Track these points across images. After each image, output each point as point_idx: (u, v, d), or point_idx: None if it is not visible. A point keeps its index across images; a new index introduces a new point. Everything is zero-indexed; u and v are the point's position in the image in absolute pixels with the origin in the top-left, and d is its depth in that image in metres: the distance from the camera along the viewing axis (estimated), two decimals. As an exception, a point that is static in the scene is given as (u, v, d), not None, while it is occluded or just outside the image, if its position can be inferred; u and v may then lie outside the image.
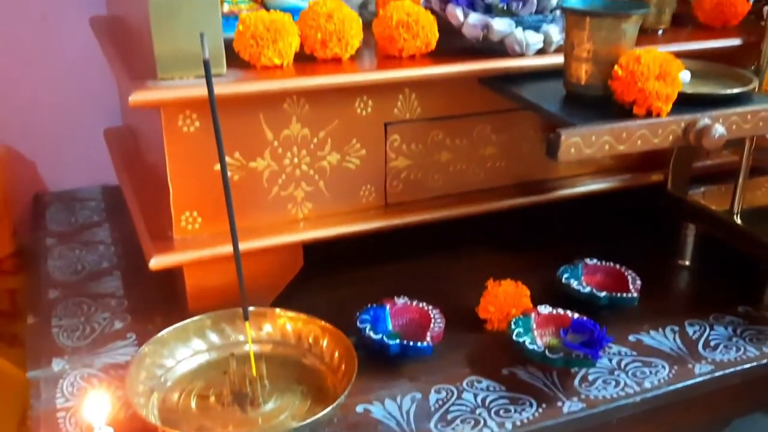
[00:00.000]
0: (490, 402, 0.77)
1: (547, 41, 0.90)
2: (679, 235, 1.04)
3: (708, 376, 0.82)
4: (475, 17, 0.88)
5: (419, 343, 0.80)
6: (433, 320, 0.84)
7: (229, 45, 0.81)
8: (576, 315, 0.85)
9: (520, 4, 0.88)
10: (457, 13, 0.88)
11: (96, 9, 1.17)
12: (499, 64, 0.89)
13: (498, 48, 0.90)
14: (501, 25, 0.87)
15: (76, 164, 1.26)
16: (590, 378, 0.81)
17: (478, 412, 0.76)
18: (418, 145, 0.92)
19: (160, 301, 0.93)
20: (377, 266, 1.01)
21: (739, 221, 0.98)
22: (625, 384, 0.80)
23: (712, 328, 0.90)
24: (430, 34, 0.87)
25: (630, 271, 0.95)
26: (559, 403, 0.77)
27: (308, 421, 0.68)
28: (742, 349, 0.86)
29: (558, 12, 0.91)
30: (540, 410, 0.76)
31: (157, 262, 0.80)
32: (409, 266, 1.02)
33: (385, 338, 0.80)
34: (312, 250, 0.90)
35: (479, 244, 1.06)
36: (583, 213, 1.10)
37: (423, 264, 1.02)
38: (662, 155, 1.00)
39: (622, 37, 0.78)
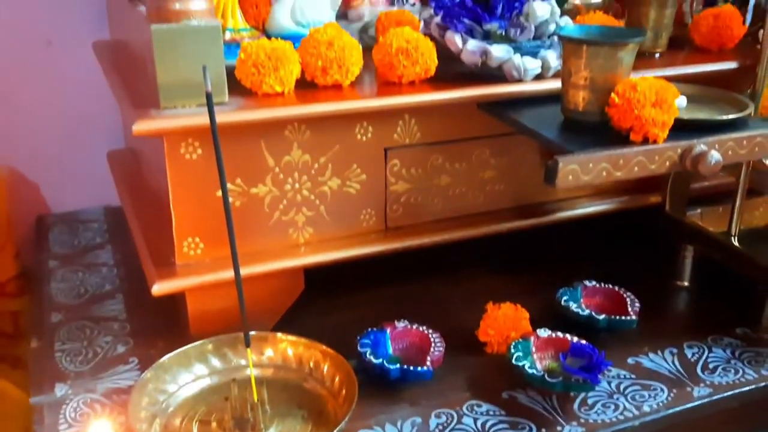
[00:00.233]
0: (490, 426, 0.77)
1: (545, 67, 0.91)
2: (677, 256, 1.05)
3: (706, 400, 0.82)
4: (473, 44, 0.89)
5: (419, 368, 0.80)
6: (433, 344, 0.85)
7: (231, 72, 0.83)
8: (575, 339, 0.85)
9: (518, 30, 0.90)
10: (455, 39, 0.90)
11: (99, 34, 1.19)
12: (497, 90, 0.90)
13: (496, 73, 0.91)
14: (499, 51, 0.88)
15: (79, 185, 1.27)
16: (590, 402, 0.81)
17: (478, 436, 0.76)
18: (418, 169, 0.93)
19: (162, 325, 0.94)
20: (377, 289, 1.01)
21: (736, 243, 0.98)
22: (624, 408, 0.80)
23: (710, 350, 0.91)
24: (429, 60, 0.89)
25: (629, 293, 0.96)
26: (559, 428, 0.77)
27: (309, 447, 0.68)
28: (741, 371, 0.86)
29: (555, 38, 0.92)
30: (540, 435, 0.76)
31: (159, 288, 0.81)
32: (409, 289, 1.02)
33: (385, 363, 0.81)
34: (312, 273, 0.91)
35: (479, 267, 1.06)
36: (581, 234, 1.11)
37: (423, 287, 1.03)
38: (660, 177, 1.01)
39: (618, 65, 0.79)
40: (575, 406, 0.80)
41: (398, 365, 0.80)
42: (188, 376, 0.81)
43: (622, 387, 0.84)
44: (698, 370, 0.87)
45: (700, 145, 0.78)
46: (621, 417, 0.79)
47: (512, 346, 0.84)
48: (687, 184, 1.04)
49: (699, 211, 1.06)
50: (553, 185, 0.74)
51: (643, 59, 1.04)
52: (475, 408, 0.80)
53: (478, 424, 0.78)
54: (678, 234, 1.04)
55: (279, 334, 0.84)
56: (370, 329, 0.87)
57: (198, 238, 0.84)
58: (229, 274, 0.80)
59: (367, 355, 0.82)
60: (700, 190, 1.08)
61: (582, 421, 0.78)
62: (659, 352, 0.90)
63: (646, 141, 0.78)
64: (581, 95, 0.81)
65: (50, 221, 1.24)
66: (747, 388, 0.84)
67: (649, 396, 0.82)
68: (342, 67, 0.86)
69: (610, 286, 0.97)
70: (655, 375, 0.86)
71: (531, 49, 0.91)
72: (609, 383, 0.84)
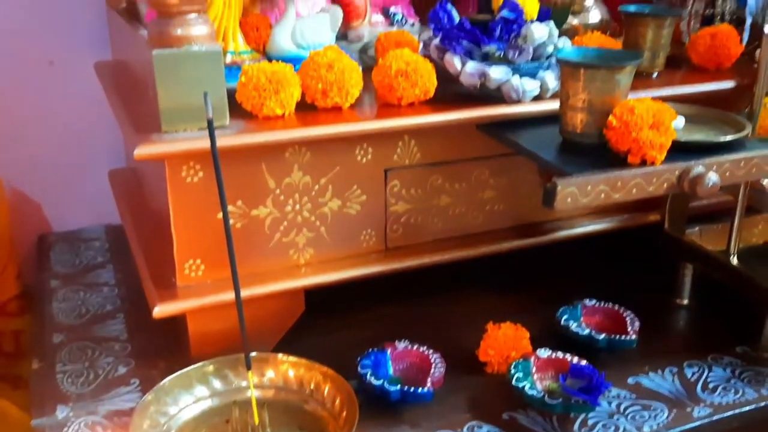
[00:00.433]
0: (491, 448, 0.78)
1: (543, 88, 0.91)
2: (676, 274, 1.05)
3: (706, 420, 0.82)
4: (472, 66, 0.90)
5: (420, 390, 0.81)
6: (433, 365, 0.85)
7: (232, 94, 0.83)
8: (575, 359, 0.85)
9: (517, 52, 0.90)
10: (454, 61, 0.90)
11: (101, 54, 1.20)
12: (496, 111, 0.90)
13: (495, 94, 0.91)
14: (498, 73, 0.89)
15: (81, 204, 1.28)
16: (590, 422, 0.81)
17: (478, 458, 0.76)
18: (418, 189, 0.93)
19: (164, 345, 0.94)
20: (378, 308, 1.02)
21: (735, 262, 0.99)
22: (625, 428, 0.80)
23: (710, 370, 0.91)
24: (428, 82, 0.89)
25: (629, 312, 0.96)
26: (559, 449, 0.78)
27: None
28: (741, 391, 0.87)
29: (554, 59, 0.93)
30: (540, 456, 0.77)
31: (160, 311, 0.81)
32: (410, 308, 1.03)
33: (385, 384, 0.81)
34: (313, 292, 0.91)
35: (479, 286, 1.07)
36: (581, 252, 1.11)
37: (423, 306, 1.03)
38: (659, 196, 1.01)
39: (616, 88, 0.80)
40: (576, 427, 0.81)
41: (399, 387, 0.81)
42: (189, 398, 0.81)
43: (622, 407, 0.84)
44: (698, 389, 0.87)
45: (697, 166, 0.78)
46: (621, 438, 0.79)
47: (512, 367, 0.84)
48: (686, 202, 1.04)
49: (698, 229, 1.06)
50: (551, 208, 0.75)
51: (641, 79, 1.04)
52: (476, 429, 0.80)
53: (479, 445, 0.78)
54: (677, 252, 1.04)
55: (280, 356, 0.84)
56: (370, 350, 0.87)
57: (199, 259, 0.84)
58: (230, 295, 0.80)
59: (368, 377, 0.82)
60: (699, 208, 1.08)
61: (582, 442, 0.78)
62: (659, 372, 0.90)
63: (643, 163, 0.78)
64: (579, 117, 0.82)
65: (52, 240, 1.24)
66: (747, 408, 0.84)
67: (649, 416, 0.82)
68: (342, 90, 0.86)
69: (610, 305, 0.98)
70: (655, 395, 0.86)
71: (529, 70, 0.91)
72: (609, 403, 0.84)
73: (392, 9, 1.13)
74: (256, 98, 0.83)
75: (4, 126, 1.21)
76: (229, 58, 0.90)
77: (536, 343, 0.89)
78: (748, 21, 1.11)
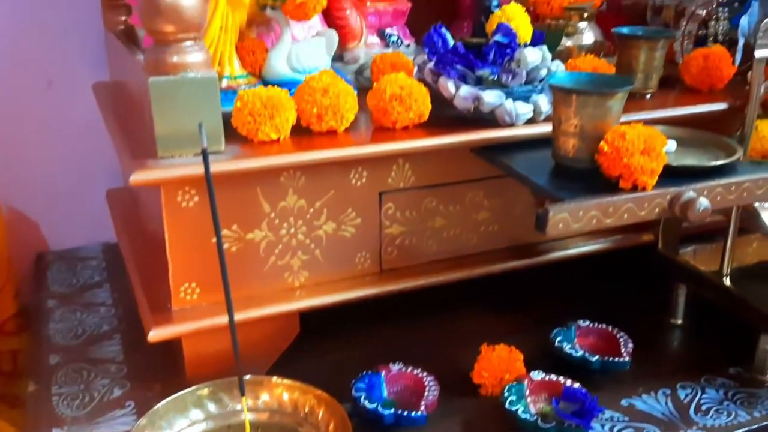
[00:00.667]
0: (484, 472, 0.78)
1: (536, 111, 0.92)
2: (670, 293, 1.06)
3: (699, 443, 0.83)
4: (465, 90, 0.90)
5: (413, 413, 0.81)
6: (427, 388, 0.86)
7: (228, 118, 0.84)
8: (569, 382, 0.86)
9: (510, 76, 0.91)
10: (448, 85, 0.91)
11: (99, 74, 1.21)
12: (489, 135, 0.91)
13: (489, 117, 0.92)
14: (491, 97, 0.90)
15: (79, 223, 1.28)
16: (583, 446, 0.82)
17: (471, 483, 0.77)
18: (412, 212, 0.94)
19: (160, 366, 0.94)
20: (372, 329, 1.02)
21: (728, 283, 0.99)
22: (618, 452, 0.81)
23: (703, 391, 0.91)
24: (422, 106, 0.90)
25: (622, 334, 0.96)
26: (552, 473, 0.78)
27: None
28: (733, 413, 0.87)
29: (547, 82, 0.93)
30: (533, 481, 0.77)
31: (155, 335, 0.82)
32: (404, 329, 1.03)
33: (379, 408, 0.81)
34: (308, 313, 0.91)
35: (473, 306, 1.07)
36: (575, 273, 1.12)
37: (418, 326, 1.03)
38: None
39: (607, 113, 0.81)
40: (569, 450, 0.81)
41: (392, 410, 0.81)
42: (184, 421, 0.81)
43: (615, 430, 0.84)
44: (691, 411, 0.87)
45: (688, 191, 0.79)
46: (614, 462, 0.80)
47: (506, 390, 0.84)
48: (679, 223, 1.05)
49: (691, 249, 1.06)
50: (543, 233, 0.75)
51: (635, 100, 1.05)
52: (469, 453, 0.81)
53: (472, 469, 0.78)
54: (670, 273, 1.05)
55: (274, 379, 0.84)
56: (365, 372, 0.87)
57: (194, 283, 0.85)
58: (225, 319, 0.81)
59: (362, 400, 0.83)
60: (693, 228, 1.08)
61: (575, 466, 0.79)
62: (653, 393, 0.91)
63: (635, 188, 0.79)
64: (571, 142, 0.83)
65: (49, 259, 1.25)
66: (739, 431, 0.85)
67: (642, 439, 0.83)
68: (337, 114, 0.87)
69: (604, 326, 0.98)
70: (648, 417, 0.86)
71: (522, 93, 0.92)
72: (603, 426, 0.85)
73: (388, 30, 1.14)
74: (252, 123, 0.84)
75: (2, 145, 1.22)
76: (225, 83, 0.90)
77: (530, 365, 0.90)
78: (741, 42, 1.12)
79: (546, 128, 0.91)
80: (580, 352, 0.92)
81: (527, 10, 1.08)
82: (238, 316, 0.83)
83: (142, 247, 0.99)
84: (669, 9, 1.30)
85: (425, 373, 0.88)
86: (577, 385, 0.86)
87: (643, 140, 0.78)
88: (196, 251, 0.83)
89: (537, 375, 0.87)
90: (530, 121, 0.93)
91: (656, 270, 1.07)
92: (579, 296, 1.11)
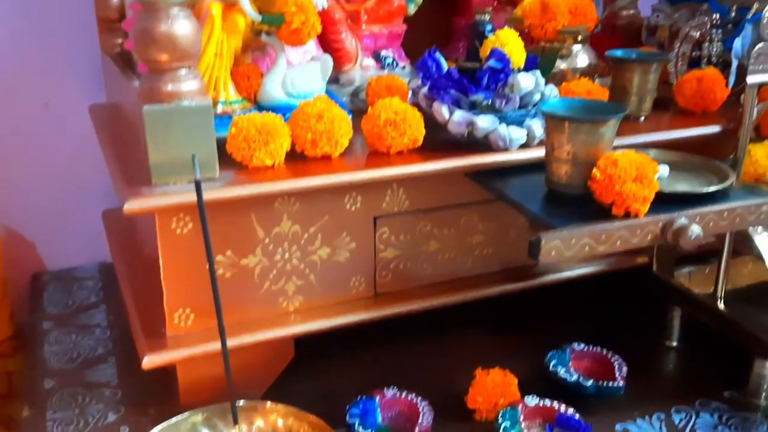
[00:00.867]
0: (478, 499, 0.78)
1: (530, 136, 0.93)
2: (665, 315, 1.06)
3: (693, 469, 0.83)
4: (459, 115, 0.91)
5: (407, 440, 0.81)
6: (422, 414, 0.86)
7: (224, 144, 0.85)
8: (563, 407, 0.86)
9: (503, 101, 0.92)
10: (442, 110, 0.92)
11: (96, 95, 1.21)
12: (483, 159, 0.91)
13: (483, 142, 0.93)
14: (485, 122, 0.90)
15: (75, 243, 1.29)
16: (577, 472, 0.82)
17: None
18: (407, 236, 0.94)
19: (154, 390, 0.94)
20: (367, 352, 1.02)
21: (722, 306, 0.99)
22: (612, 478, 0.81)
23: (698, 416, 0.91)
24: (417, 131, 0.90)
25: (617, 357, 0.96)
26: (546, 500, 0.78)
27: None
28: (727, 438, 0.87)
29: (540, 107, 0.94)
30: None
31: (149, 361, 0.82)
32: (399, 351, 1.03)
33: (373, 435, 0.81)
34: (302, 336, 0.91)
35: (468, 329, 1.07)
36: (570, 295, 1.12)
37: (412, 349, 1.03)
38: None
39: (600, 140, 0.81)
40: (563, 477, 0.81)
41: (386, 437, 0.81)
42: (178, 448, 0.81)
43: (609, 456, 0.84)
44: (685, 437, 0.88)
45: (680, 218, 0.79)
46: (608, 488, 0.80)
47: (500, 415, 0.84)
48: (674, 245, 1.05)
49: (686, 271, 1.07)
50: (536, 261, 0.76)
51: (629, 122, 1.05)
52: (463, 480, 0.81)
53: (466, 497, 0.78)
54: (665, 295, 1.05)
55: (269, 404, 0.84)
56: (359, 397, 0.87)
57: (189, 309, 0.85)
58: (219, 345, 0.81)
59: (356, 426, 0.83)
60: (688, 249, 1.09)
61: (569, 493, 0.79)
62: (647, 418, 0.91)
63: (627, 215, 0.79)
64: (564, 169, 0.83)
65: (45, 279, 1.25)
66: (733, 457, 0.85)
67: (636, 466, 0.83)
68: (331, 140, 0.87)
69: (599, 349, 0.98)
70: (642, 443, 0.87)
71: (516, 118, 0.92)
72: (597, 451, 0.85)
73: (383, 53, 1.14)
74: (246, 149, 0.84)
75: (-1, 165, 1.23)
76: (220, 108, 0.91)
77: (525, 388, 0.90)
78: (734, 64, 1.12)
79: (540, 152, 0.91)
80: (575, 377, 0.92)
81: (521, 32, 1.08)
82: (233, 342, 0.84)
83: (137, 269, 0.99)
84: (663, 29, 1.31)
85: (419, 398, 0.88)
86: (571, 410, 0.86)
87: (635, 167, 0.78)
88: (190, 277, 0.83)
89: (531, 400, 0.87)
90: (524, 146, 0.94)
91: (651, 292, 1.07)
92: (574, 318, 1.11)
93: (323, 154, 0.88)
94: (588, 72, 1.12)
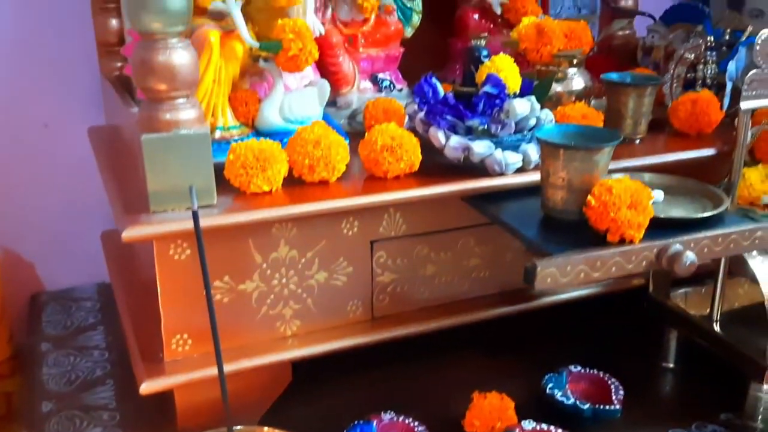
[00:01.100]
0: None
1: (525, 160, 0.93)
2: (662, 337, 1.06)
3: (689, 494, 0.83)
4: (456, 140, 0.92)
5: (404, 466, 0.81)
6: (418, 439, 0.86)
7: (222, 169, 0.85)
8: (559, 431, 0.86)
9: (499, 126, 0.93)
10: (439, 136, 0.92)
11: (95, 117, 1.22)
12: (480, 184, 0.92)
13: (479, 167, 0.93)
14: (481, 147, 0.91)
15: (73, 264, 1.29)
16: (574, 497, 0.82)
17: None
18: (404, 259, 0.95)
19: (152, 413, 0.95)
20: (365, 375, 1.02)
21: (718, 329, 1.00)
22: (608, 504, 0.81)
23: (694, 439, 0.92)
24: (413, 156, 0.91)
25: (613, 380, 0.97)
26: None
27: None
28: (723, 462, 0.87)
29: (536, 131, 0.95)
30: None
31: (147, 387, 0.82)
32: (396, 374, 1.03)
33: (370, 460, 0.81)
34: (299, 360, 0.92)
35: (465, 350, 1.07)
36: (567, 316, 1.12)
37: (409, 372, 1.04)
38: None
39: (594, 167, 0.82)
40: (559, 502, 0.81)
41: (383, 463, 0.81)
42: (175, 473, 0.81)
43: (606, 481, 0.85)
44: (682, 461, 0.88)
45: (675, 244, 0.80)
46: None
47: (496, 440, 0.85)
48: (669, 267, 1.06)
49: (682, 292, 1.07)
50: (532, 287, 0.76)
51: (624, 145, 1.06)
52: (460, 505, 0.81)
53: None
54: (661, 317, 1.05)
55: (266, 429, 0.85)
56: (356, 422, 0.88)
57: (186, 334, 0.85)
58: (216, 370, 0.81)
59: (353, 452, 0.83)
60: (684, 271, 1.10)
61: None
62: (643, 442, 0.91)
63: (622, 241, 0.80)
64: (559, 195, 0.84)
65: (44, 300, 1.25)
66: (729, 481, 0.85)
67: (633, 491, 0.83)
68: (329, 165, 0.88)
69: (595, 371, 0.99)
70: (639, 467, 0.87)
71: (512, 143, 0.93)
72: (593, 476, 0.85)
73: (380, 75, 1.15)
74: (244, 176, 0.84)
75: (-2, 186, 1.23)
76: (218, 134, 0.91)
77: (522, 412, 0.90)
78: (729, 87, 1.13)
79: (535, 176, 0.91)
80: (572, 400, 0.93)
81: (517, 55, 1.09)
82: (231, 367, 0.84)
83: (135, 292, 1.00)
84: (659, 49, 1.32)
85: (417, 423, 0.88)
86: (567, 435, 0.86)
87: (630, 194, 0.79)
88: (188, 303, 0.84)
89: (528, 425, 0.87)
90: (520, 170, 0.94)
91: (648, 313, 1.07)
92: (570, 340, 1.11)
93: (320, 179, 0.89)
94: (584, 94, 1.12)
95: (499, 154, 0.92)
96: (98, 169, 1.02)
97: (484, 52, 0.98)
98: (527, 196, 0.92)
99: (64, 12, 1.21)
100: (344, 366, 0.99)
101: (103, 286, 1.29)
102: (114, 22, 1.15)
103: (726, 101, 1.14)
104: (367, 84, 1.14)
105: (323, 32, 1.01)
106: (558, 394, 0.94)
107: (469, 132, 0.94)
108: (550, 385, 0.95)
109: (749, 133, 0.97)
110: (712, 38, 1.20)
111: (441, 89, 0.97)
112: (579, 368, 0.99)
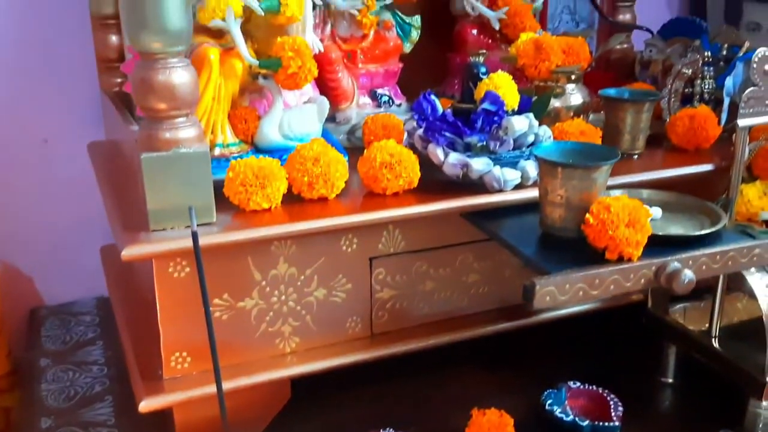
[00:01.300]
0: None
1: (524, 177, 0.94)
2: (661, 352, 1.06)
3: None
4: (454, 157, 0.92)
5: (403, 484, 0.81)
6: (417, 457, 0.86)
7: (221, 186, 0.85)
8: (558, 449, 0.86)
9: (498, 143, 0.93)
10: (437, 152, 0.93)
11: (95, 132, 1.22)
12: (478, 201, 0.92)
13: (478, 183, 0.93)
14: (479, 164, 0.91)
15: (72, 278, 1.29)
16: None
17: None
18: (403, 276, 0.95)
19: (151, 430, 0.94)
20: (363, 390, 1.02)
21: (717, 344, 1.00)
22: None
23: (693, 456, 0.92)
24: (412, 173, 0.91)
25: (612, 396, 0.97)
26: None
27: None
28: (722, 479, 0.87)
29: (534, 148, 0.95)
30: None
31: (146, 405, 0.82)
32: (395, 389, 1.03)
33: (369, 479, 0.81)
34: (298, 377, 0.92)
35: (464, 366, 1.07)
36: (566, 331, 1.12)
37: (408, 387, 1.03)
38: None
39: (593, 185, 0.82)
40: None
41: (382, 481, 0.81)
42: (174, 492, 0.81)
43: (605, 498, 0.84)
44: (681, 478, 0.88)
45: (673, 262, 0.80)
46: None
47: (496, 458, 0.85)
48: (668, 282, 1.06)
49: (681, 307, 1.07)
50: (531, 306, 0.76)
51: (622, 160, 1.05)
52: None
53: None
54: (660, 333, 1.05)
55: (265, 447, 0.85)
56: (355, 439, 0.88)
57: (185, 352, 0.85)
58: (215, 388, 0.81)
59: (352, 470, 0.83)
60: (682, 286, 1.10)
61: None
62: (643, 459, 0.91)
63: (621, 259, 0.80)
64: (558, 213, 0.84)
65: (43, 314, 1.25)
66: (728, 498, 0.85)
67: None
68: (328, 182, 0.88)
69: (594, 387, 0.98)
70: (637, 485, 0.87)
71: (510, 159, 0.94)
72: (593, 494, 0.85)
73: (379, 91, 1.16)
74: (243, 193, 0.85)
75: (-2, 200, 1.23)
76: (217, 151, 0.92)
77: (521, 428, 0.89)
78: (726, 102, 1.14)
79: (534, 193, 0.92)
80: (571, 417, 0.93)
81: (515, 71, 1.10)
82: (230, 384, 0.84)
83: (135, 308, 1.00)
84: (656, 63, 1.33)
85: (416, 440, 0.89)
86: (566, 453, 0.86)
87: (628, 212, 0.79)
88: (187, 320, 0.84)
89: (527, 442, 0.87)
90: (518, 186, 0.94)
91: (646, 329, 1.07)
92: (569, 355, 1.11)
93: (320, 196, 0.89)
94: (582, 110, 1.13)
95: (497, 170, 0.92)
96: (98, 184, 1.02)
97: (483, 69, 0.98)
98: (526, 213, 0.92)
99: (64, 28, 1.22)
100: (343, 383, 0.99)
101: (102, 300, 1.29)
102: (114, 39, 1.16)
103: (724, 116, 1.14)
104: (366, 99, 1.15)
105: (322, 50, 1.01)
106: (557, 411, 0.94)
107: (468, 149, 0.94)
108: (549, 402, 0.95)
109: (747, 150, 0.98)
110: (710, 53, 1.21)
111: (440, 106, 0.97)
112: (578, 384, 0.99)
